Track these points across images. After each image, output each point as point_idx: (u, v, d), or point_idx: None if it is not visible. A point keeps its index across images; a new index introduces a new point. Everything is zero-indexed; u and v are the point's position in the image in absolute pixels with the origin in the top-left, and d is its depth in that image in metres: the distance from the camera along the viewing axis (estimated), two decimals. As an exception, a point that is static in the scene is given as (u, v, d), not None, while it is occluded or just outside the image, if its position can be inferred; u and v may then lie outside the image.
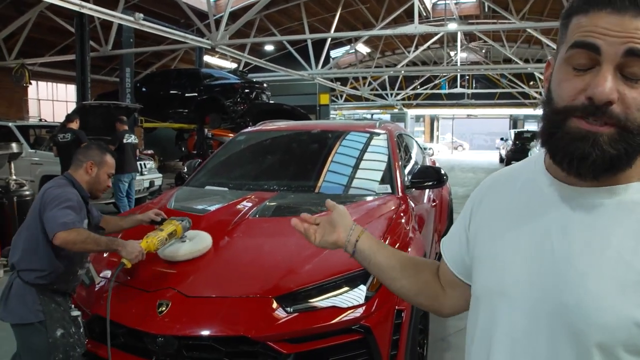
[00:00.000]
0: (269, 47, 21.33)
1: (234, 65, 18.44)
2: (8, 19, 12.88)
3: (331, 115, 24.49)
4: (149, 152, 11.60)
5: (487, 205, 0.93)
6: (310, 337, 2.06)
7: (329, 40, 16.42)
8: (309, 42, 15.70)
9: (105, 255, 2.57)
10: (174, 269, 2.31)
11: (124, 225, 2.60)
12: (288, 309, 2.08)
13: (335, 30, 15.45)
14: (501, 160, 23.58)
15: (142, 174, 8.43)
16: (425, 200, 3.80)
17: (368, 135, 3.85)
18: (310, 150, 3.85)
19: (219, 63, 19.90)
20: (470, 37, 22.27)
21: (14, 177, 5.88)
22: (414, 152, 4.62)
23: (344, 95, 29.01)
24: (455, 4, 17.67)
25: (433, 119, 40.59)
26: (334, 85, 21.21)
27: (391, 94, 27.18)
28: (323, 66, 16.50)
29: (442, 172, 3.41)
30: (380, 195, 3.14)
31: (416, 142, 5.18)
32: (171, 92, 13.20)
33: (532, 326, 0.78)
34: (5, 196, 5.55)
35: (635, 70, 0.70)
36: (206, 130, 13.00)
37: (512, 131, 23.28)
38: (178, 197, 3.33)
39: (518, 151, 18.67)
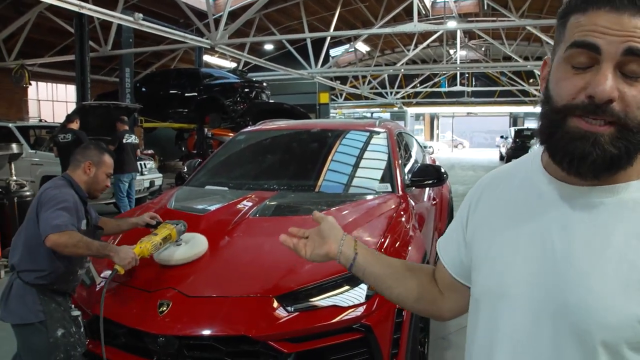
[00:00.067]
0: (269, 47, 21.33)
1: (233, 65, 18.43)
2: (7, 20, 12.88)
3: (331, 114, 24.48)
4: (149, 152, 11.59)
5: (485, 205, 0.92)
6: (311, 336, 2.06)
7: (329, 39, 16.41)
8: (309, 41, 15.70)
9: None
10: (175, 269, 2.31)
11: (122, 228, 2.59)
12: (289, 308, 2.08)
13: (335, 29, 15.46)
14: (501, 158, 23.58)
15: (142, 174, 8.44)
16: (425, 199, 3.80)
17: (368, 134, 3.85)
18: (310, 150, 3.85)
19: (219, 62, 19.89)
20: (469, 35, 22.26)
21: (14, 177, 5.88)
22: (414, 150, 4.61)
23: (344, 94, 29.00)
24: (455, 1, 17.65)
25: (433, 117, 40.58)
26: (333, 84, 21.20)
27: (391, 93, 27.16)
28: (322, 65, 16.50)
29: (442, 170, 3.41)
30: (380, 194, 3.14)
31: (416, 140, 5.18)
32: (171, 92, 13.19)
33: (534, 327, 0.77)
34: (6, 197, 5.55)
35: (635, 68, 0.70)
36: (206, 129, 13.00)
37: (512, 129, 23.29)
38: (178, 197, 3.33)
39: (518, 149, 18.68)
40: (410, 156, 4.23)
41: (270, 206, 2.91)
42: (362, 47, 22.82)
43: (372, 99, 27.57)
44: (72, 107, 14.40)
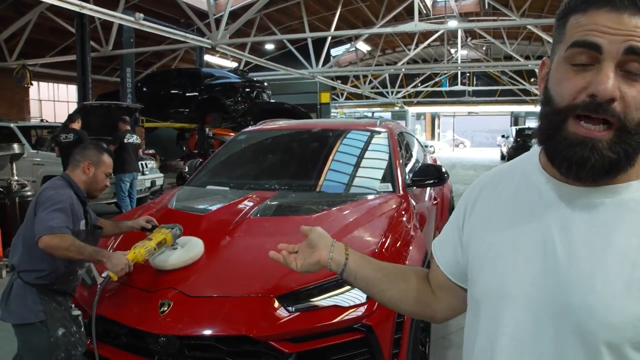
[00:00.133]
0: (270, 46, 21.33)
1: (234, 65, 18.44)
2: (9, 20, 12.90)
3: (332, 114, 24.47)
4: (150, 151, 11.60)
5: (482, 205, 0.91)
6: (312, 336, 2.06)
7: (329, 38, 16.42)
8: (309, 41, 15.69)
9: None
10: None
11: (120, 230, 2.58)
12: (290, 308, 2.08)
13: (336, 29, 15.44)
14: (502, 157, 23.56)
15: (143, 174, 8.44)
16: (426, 199, 3.80)
17: (369, 133, 3.85)
18: (311, 149, 3.85)
19: (220, 62, 19.90)
20: (470, 34, 22.24)
21: (15, 177, 5.89)
22: (415, 150, 4.61)
23: (345, 94, 28.99)
24: (455, 1, 17.61)
25: (434, 117, 40.56)
26: (334, 83, 21.20)
27: (392, 92, 27.16)
28: (323, 65, 16.49)
29: (443, 170, 3.41)
30: (382, 194, 3.14)
31: (417, 140, 5.18)
32: (172, 91, 13.21)
33: (537, 327, 0.77)
34: (7, 197, 5.56)
35: (636, 67, 0.70)
36: (207, 129, 13.01)
37: (513, 128, 23.26)
38: (179, 196, 3.33)
39: (519, 148, 18.66)
40: (411, 156, 4.22)
41: (271, 206, 2.91)
42: (363, 47, 22.82)
43: (373, 98, 27.56)
44: (73, 107, 14.41)
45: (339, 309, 2.09)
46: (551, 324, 0.75)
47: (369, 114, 32.76)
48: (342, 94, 29.17)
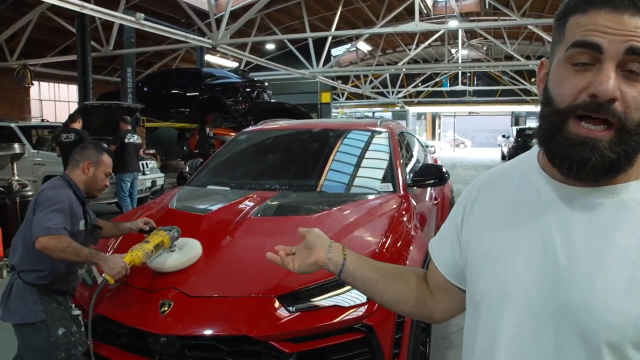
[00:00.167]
0: (270, 46, 21.33)
1: (235, 65, 18.45)
2: (9, 20, 12.91)
3: (332, 114, 24.48)
4: (151, 151, 11.61)
5: (481, 205, 0.91)
6: (313, 336, 2.06)
7: (330, 38, 16.42)
8: (310, 41, 15.69)
9: (108, 255, 2.58)
10: (176, 268, 2.31)
11: (117, 232, 2.57)
12: (290, 308, 2.08)
13: (336, 29, 15.44)
14: (503, 157, 23.54)
15: (144, 174, 8.45)
16: (427, 199, 3.80)
17: (369, 133, 3.85)
18: (312, 149, 3.85)
19: (220, 62, 19.91)
20: (471, 34, 22.23)
21: (16, 177, 5.89)
22: (416, 150, 4.61)
23: (345, 94, 28.99)
24: (456, 1, 17.61)
25: (435, 117, 40.55)
26: (335, 83, 21.19)
27: (392, 92, 27.15)
28: (324, 64, 16.49)
29: (444, 170, 3.41)
30: (382, 194, 3.14)
31: (418, 140, 5.18)
32: (173, 91, 13.22)
33: (538, 327, 0.77)
34: (8, 197, 5.56)
35: (636, 67, 0.70)
36: (208, 129, 13.03)
37: (514, 128, 23.24)
38: (180, 196, 3.33)
39: (520, 148, 18.64)
40: (411, 156, 4.22)
41: (271, 206, 2.91)
42: (364, 47, 22.82)
43: (373, 98, 27.56)
44: (74, 107, 14.42)
45: (339, 309, 2.09)
46: (551, 324, 0.75)
47: (370, 114, 32.77)
48: (342, 94, 29.17)
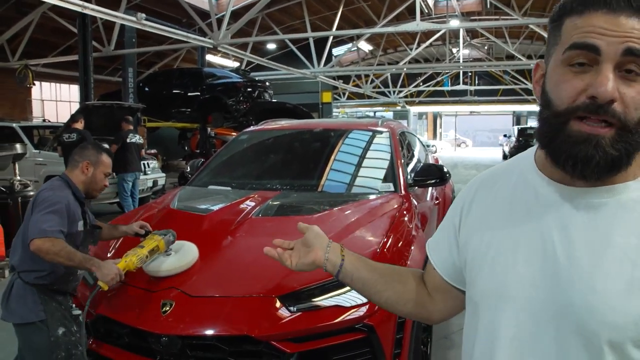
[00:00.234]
0: (271, 46, 21.34)
1: (236, 64, 18.46)
2: (11, 20, 12.93)
3: (333, 113, 24.48)
4: (152, 151, 11.62)
5: (479, 205, 0.91)
6: (314, 336, 2.06)
7: (331, 38, 16.43)
8: (311, 40, 15.68)
9: (109, 255, 2.58)
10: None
11: (115, 234, 2.56)
12: (291, 308, 2.08)
13: (337, 28, 15.43)
14: (504, 156, 23.52)
15: (145, 174, 8.46)
16: (428, 198, 3.80)
17: (370, 133, 3.85)
18: (313, 149, 3.85)
19: (221, 62, 19.92)
20: (472, 33, 22.21)
21: (18, 177, 5.90)
22: (417, 149, 4.61)
23: (347, 93, 28.98)
24: (457, 0, 17.61)
25: (436, 116, 40.53)
26: (336, 83, 21.20)
27: (394, 92, 27.15)
28: (325, 64, 16.49)
29: (445, 169, 3.41)
30: (383, 194, 3.14)
31: (419, 139, 5.18)
32: (174, 91, 13.23)
33: (538, 328, 0.77)
34: (10, 197, 5.57)
35: (633, 68, 0.70)
36: (209, 129, 13.03)
37: (515, 128, 23.22)
38: (181, 196, 3.33)
39: (521, 148, 18.57)
40: (412, 155, 4.22)
41: (273, 206, 2.92)
42: (365, 46, 22.82)
43: (374, 98, 27.56)
44: (75, 107, 14.45)
45: (340, 309, 2.09)
46: (552, 324, 0.76)
47: (371, 114, 32.76)
48: (343, 94, 29.17)
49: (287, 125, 4.41)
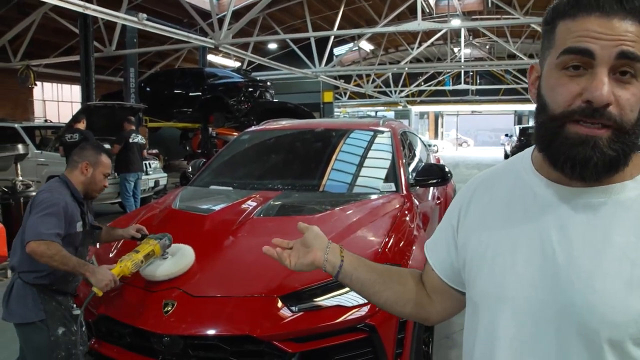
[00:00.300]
0: (272, 46, 21.35)
1: (237, 64, 18.47)
2: (13, 21, 12.96)
3: (335, 113, 24.47)
4: (154, 151, 11.63)
5: (477, 206, 0.91)
6: (315, 336, 2.07)
7: (332, 37, 16.42)
8: (312, 40, 15.69)
9: (110, 255, 2.59)
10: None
11: (111, 238, 2.55)
12: (293, 308, 2.08)
13: (338, 28, 15.43)
14: (506, 156, 23.48)
15: (147, 174, 8.47)
16: (429, 198, 3.80)
17: (372, 133, 3.85)
18: (314, 149, 3.86)
19: (223, 62, 19.93)
20: (474, 33, 22.19)
21: (20, 177, 5.91)
22: (418, 149, 4.61)
23: (348, 93, 28.98)
24: None
25: (437, 116, 40.49)
26: (337, 83, 21.19)
27: (395, 91, 27.14)
28: (326, 64, 16.49)
29: (447, 169, 3.41)
30: (385, 194, 3.14)
31: (420, 139, 5.18)
32: (175, 91, 13.24)
33: (537, 328, 0.77)
34: (12, 197, 5.58)
35: (628, 70, 0.71)
36: (210, 129, 13.04)
37: (517, 127, 23.19)
38: (183, 196, 3.34)
39: (523, 147, 18.21)
40: (414, 155, 4.22)
41: (274, 206, 2.92)
42: (366, 46, 22.82)
43: (376, 97, 27.55)
44: (77, 107, 14.48)
45: (342, 309, 2.10)
46: (552, 324, 0.76)
47: (372, 113, 32.75)
48: (345, 93, 29.16)
49: (289, 125, 4.41)
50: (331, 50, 17.34)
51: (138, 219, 2.96)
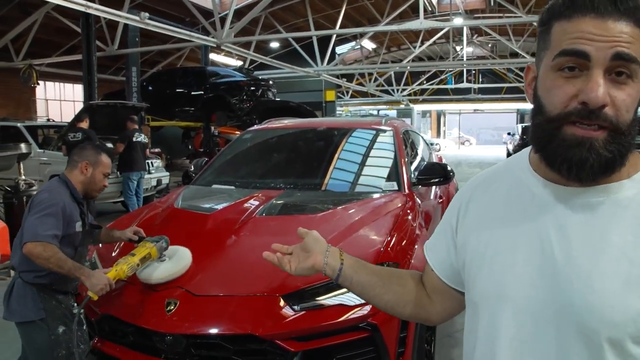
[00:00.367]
0: (275, 45, 21.34)
1: (239, 63, 18.47)
2: (15, 21, 12.98)
3: (337, 112, 24.46)
4: (156, 150, 11.64)
5: (476, 207, 0.91)
6: (318, 335, 2.07)
7: (334, 36, 16.40)
8: (314, 39, 15.68)
9: (113, 254, 2.60)
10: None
11: (110, 239, 2.55)
12: (295, 307, 2.09)
13: (341, 27, 15.43)
14: (508, 154, 23.46)
15: (149, 173, 8.48)
16: (432, 197, 3.79)
17: (374, 132, 3.85)
18: (317, 148, 3.86)
19: (225, 61, 19.93)
20: (476, 31, 22.14)
21: (23, 177, 5.93)
22: (420, 148, 4.61)
23: (350, 92, 28.96)
24: (461, -2, 17.56)
25: (440, 114, 40.44)
26: (339, 81, 21.17)
27: (397, 90, 27.09)
28: (329, 63, 16.48)
29: (449, 168, 3.41)
30: (387, 193, 3.14)
31: (422, 138, 5.17)
32: (177, 90, 13.24)
33: (537, 327, 0.78)
34: (15, 196, 5.60)
35: (623, 70, 0.71)
36: (212, 128, 13.04)
37: (519, 126, 23.15)
38: (185, 196, 3.34)
39: (525, 145, 18.36)
40: (416, 154, 4.22)
41: (276, 205, 2.92)
42: (368, 45, 22.78)
43: (378, 96, 27.52)
44: (79, 106, 14.51)
45: (344, 308, 2.10)
46: (552, 324, 0.76)
47: (374, 112, 32.73)
48: (347, 92, 29.14)
49: (291, 124, 4.41)
50: (333, 49, 17.31)
51: (140, 218, 2.96)
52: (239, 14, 11.74)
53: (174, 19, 13.14)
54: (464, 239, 0.91)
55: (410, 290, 1.04)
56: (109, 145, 7.97)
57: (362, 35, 17.49)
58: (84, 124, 7.34)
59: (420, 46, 19.12)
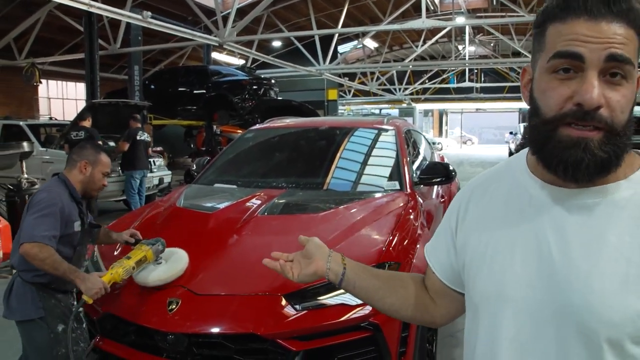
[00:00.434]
0: (277, 44, 21.33)
1: (241, 62, 18.47)
2: (18, 19, 13.00)
3: (339, 111, 24.45)
4: (158, 149, 11.65)
5: (475, 210, 0.92)
6: (319, 334, 2.07)
7: (337, 35, 16.36)
8: (317, 38, 15.67)
9: (115, 253, 2.60)
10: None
11: (108, 240, 2.55)
12: (297, 306, 2.09)
13: (343, 26, 15.40)
14: (510, 154, 23.38)
15: (151, 171, 8.49)
16: (433, 196, 3.79)
17: (376, 131, 3.85)
18: (318, 147, 3.86)
19: (227, 60, 19.93)
20: (478, 30, 22.09)
21: (25, 175, 5.95)
22: (422, 147, 4.60)
23: (352, 91, 28.93)
24: (463, -3, 17.50)
25: (442, 114, 40.39)
26: (341, 80, 21.15)
27: (399, 89, 27.07)
28: (331, 62, 16.46)
29: (451, 168, 3.40)
30: (389, 192, 3.14)
31: (424, 137, 5.17)
32: (179, 89, 13.25)
33: (537, 328, 0.78)
34: (17, 194, 5.62)
35: (618, 71, 0.72)
36: (215, 127, 13.04)
37: (522, 125, 23.09)
38: (187, 194, 3.34)
39: (527, 145, 18.49)
40: (418, 153, 4.22)
41: (278, 204, 2.92)
42: (370, 44, 22.74)
43: (380, 95, 27.50)
44: (82, 105, 14.50)
45: (346, 307, 2.10)
46: (551, 325, 0.77)
47: (377, 111, 32.69)
48: (349, 91, 29.12)
49: (293, 123, 4.41)
50: (335, 48, 17.27)
51: (142, 217, 2.97)
52: (241, 12, 11.74)
53: (177, 17, 13.15)
54: (464, 240, 0.91)
55: (413, 294, 1.04)
56: (112, 144, 7.98)
57: (364, 34, 17.45)
58: (87, 123, 7.35)
59: (422, 45, 19.06)
